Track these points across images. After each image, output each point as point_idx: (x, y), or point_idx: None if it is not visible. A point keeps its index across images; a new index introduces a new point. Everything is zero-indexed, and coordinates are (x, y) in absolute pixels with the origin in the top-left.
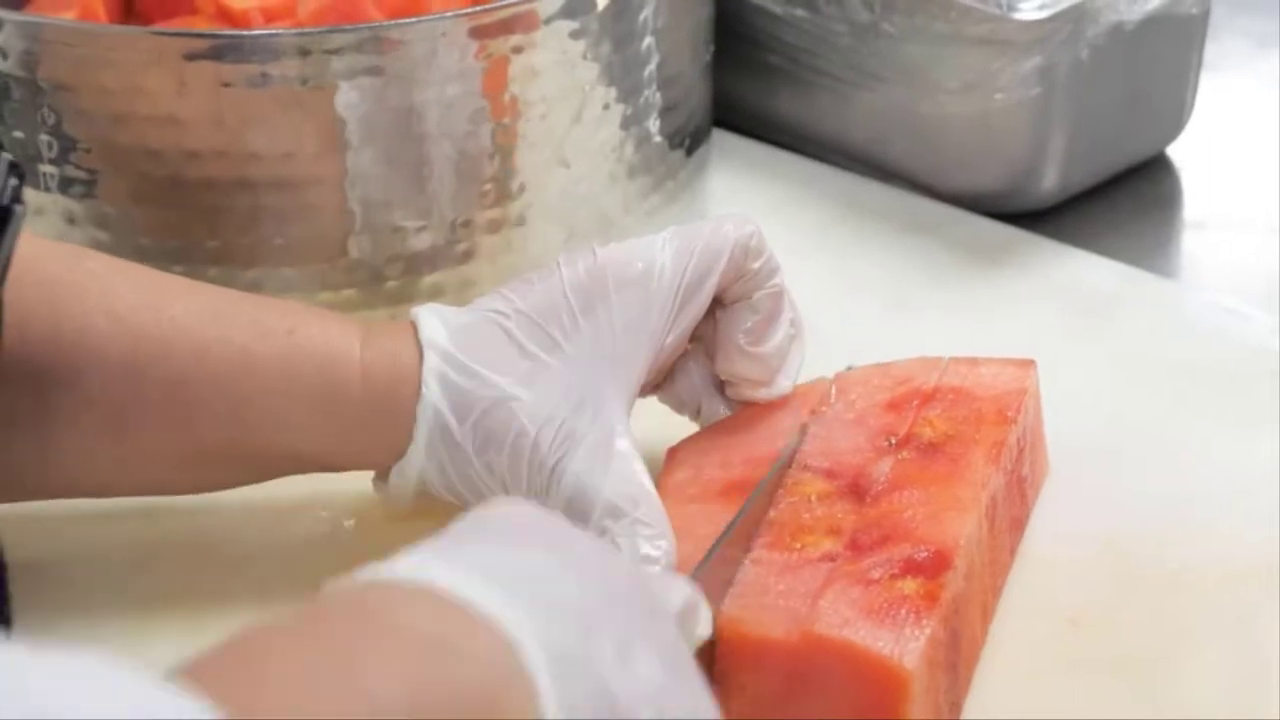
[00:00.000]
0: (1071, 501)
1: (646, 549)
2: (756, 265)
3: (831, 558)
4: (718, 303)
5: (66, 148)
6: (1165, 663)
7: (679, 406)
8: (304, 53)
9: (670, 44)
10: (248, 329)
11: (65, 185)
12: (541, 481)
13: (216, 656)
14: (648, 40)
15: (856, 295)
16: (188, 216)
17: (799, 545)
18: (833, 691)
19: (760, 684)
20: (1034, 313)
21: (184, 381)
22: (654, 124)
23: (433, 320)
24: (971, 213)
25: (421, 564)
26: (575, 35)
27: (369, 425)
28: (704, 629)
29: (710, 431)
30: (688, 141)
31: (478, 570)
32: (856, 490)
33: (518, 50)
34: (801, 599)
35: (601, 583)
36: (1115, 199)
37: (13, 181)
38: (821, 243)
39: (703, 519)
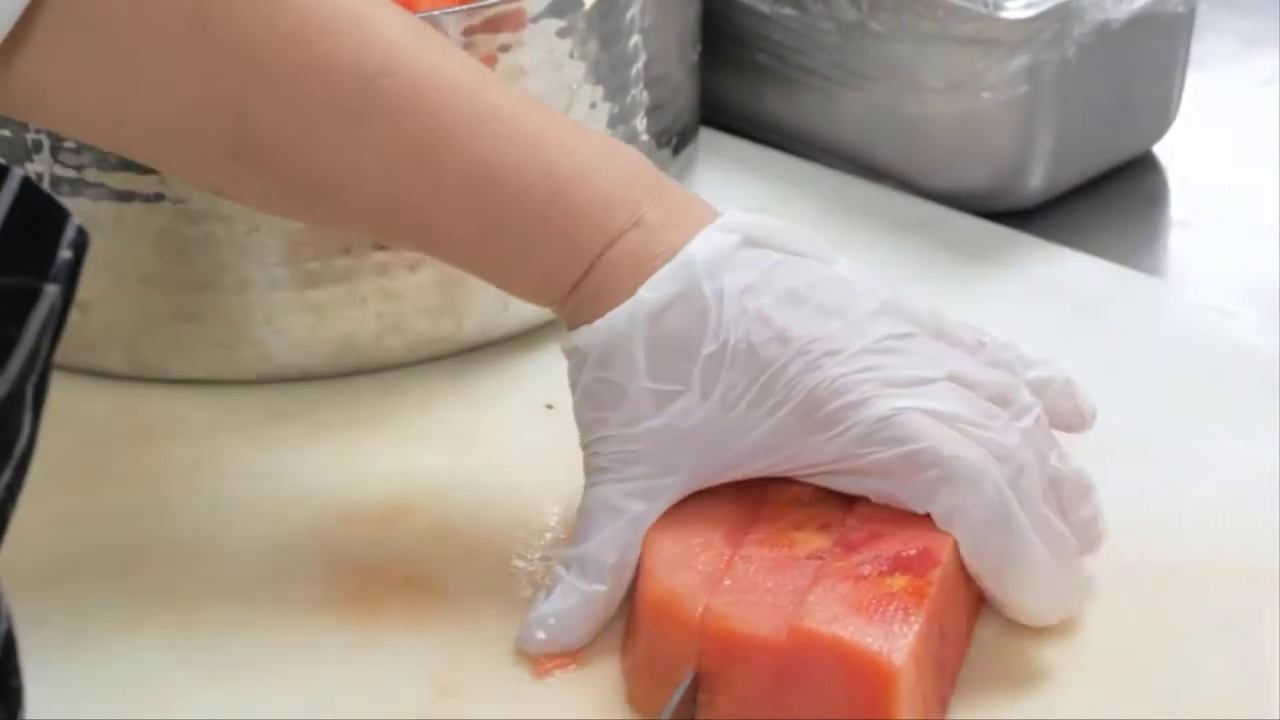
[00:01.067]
0: None
1: (572, 585)
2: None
3: (820, 555)
4: None
5: (55, 146)
6: (1154, 661)
7: None
8: None
9: (657, 43)
10: (513, 198)
11: (54, 184)
12: (586, 463)
13: None
14: (635, 39)
15: None
16: (178, 221)
17: (788, 542)
18: (821, 688)
19: (748, 681)
20: (1020, 311)
21: (441, 233)
22: (641, 123)
23: (675, 272)
24: (958, 211)
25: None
26: (562, 34)
27: (575, 297)
28: None
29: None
30: (675, 140)
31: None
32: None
33: (505, 49)
34: (790, 595)
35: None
36: (1102, 198)
37: (65, 255)
38: None
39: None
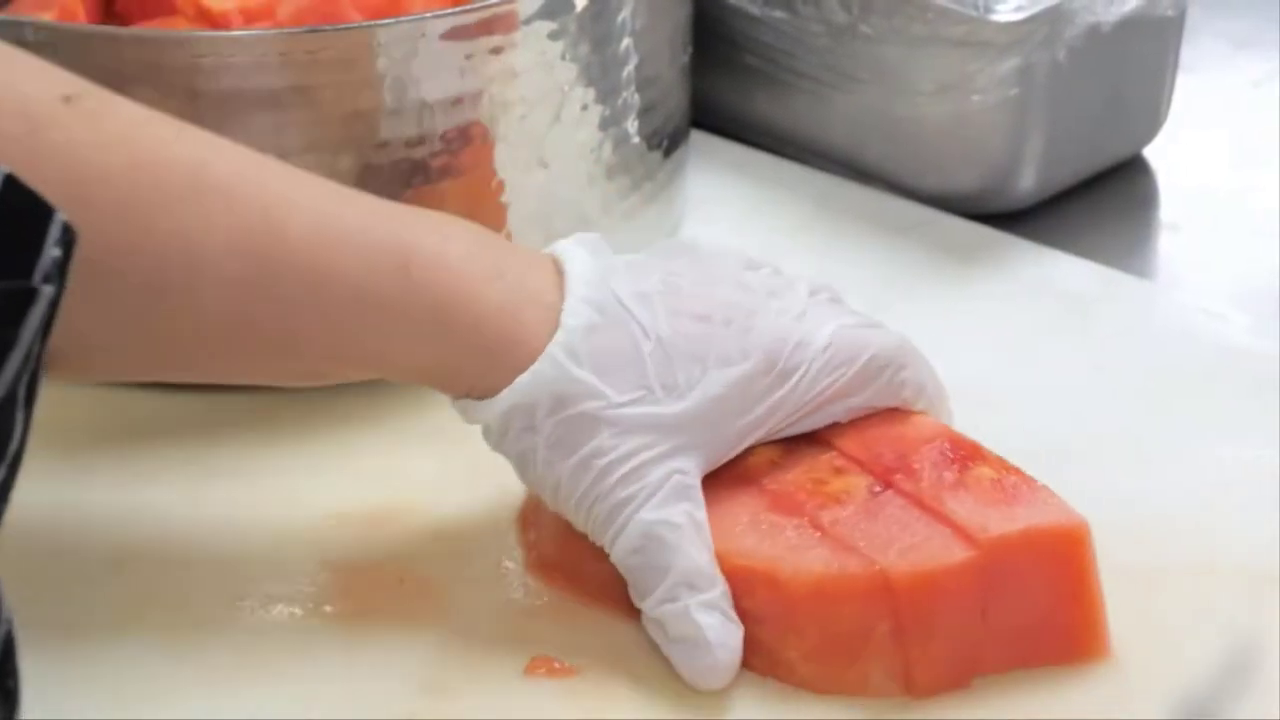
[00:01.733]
0: None
1: (710, 636)
2: (917, 406)
3: (875, 489)
4: None
5: None
6: (1148, 662)
7: None
8: (283, 54)
9: (649, 45)
10: (363, 262)
11: None
12: (599, 515)
13: None
14: (626, 41)
15: None
16: None
17: (836, 493)
18: (1024, 583)
19: (956, 613)
20: (1011, 313)
21: (294, 309)
22: (632, 125)
23: (580, 299)
24: (949, 214)
25: (569, 251)
26: (554, 36)
27: (469, 368)
28: None
29: None
30: (666, 143)
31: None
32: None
33: (496, 51)
34: (915, 526)
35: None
36: (1092, 200)
37: (55, 253)
38: (799, 243)
39: None
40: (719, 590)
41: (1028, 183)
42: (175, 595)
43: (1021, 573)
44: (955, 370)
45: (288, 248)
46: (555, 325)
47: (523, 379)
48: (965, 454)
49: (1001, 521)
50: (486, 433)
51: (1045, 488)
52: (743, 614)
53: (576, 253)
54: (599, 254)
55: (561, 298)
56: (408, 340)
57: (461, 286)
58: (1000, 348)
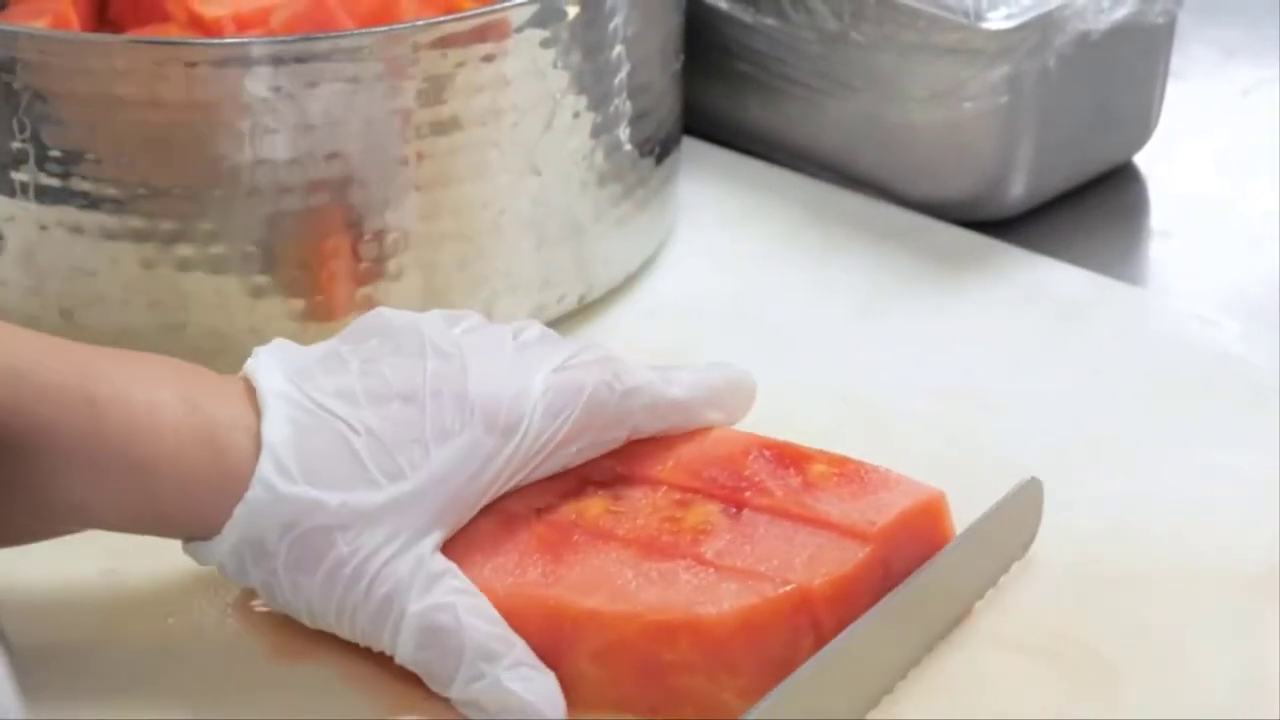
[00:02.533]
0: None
1: (530, 698)
2: (646, 428)
3: (731, 511)
4: None
5: (40, 156)
6: (1140, 668)
7: None
8: (276, 61)
9: (640, 52)
10: (48, 400)
11: (39, 193)
12: (363, 620)
13: None
14: (618, 49)
15: (825, 302)
16: (160, 224)
17: (692, 526)
18: (910, 551)
19: (865, 600)
20: (1002, 319)
21: None
22: (624, 132)
23: (278, 413)
24: (940, 220)
25: (258, 365)
26: (546, 44)
27: (177, 506)
28: None
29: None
30: (658, 149)
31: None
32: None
33: (488, 59)
34: (801, 535)
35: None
36: (1083, 207)
37: None
38: (791, 250)
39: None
40: (518, 647)
41: (1019, 189)
42: (165, 600)
43: (903, 554)
44: (946, 377)
45: None
46: (258, 448)
47: (239, 511)
48: (789, 455)
49: (877, 511)
50: (222, 570)
51: (880, 467)
52: (667, 667)
53: (265, 365)
54: (289, 360)
55: (258, 418)
56: (107, 486)
57: (151, 421)
58: (991, 354)
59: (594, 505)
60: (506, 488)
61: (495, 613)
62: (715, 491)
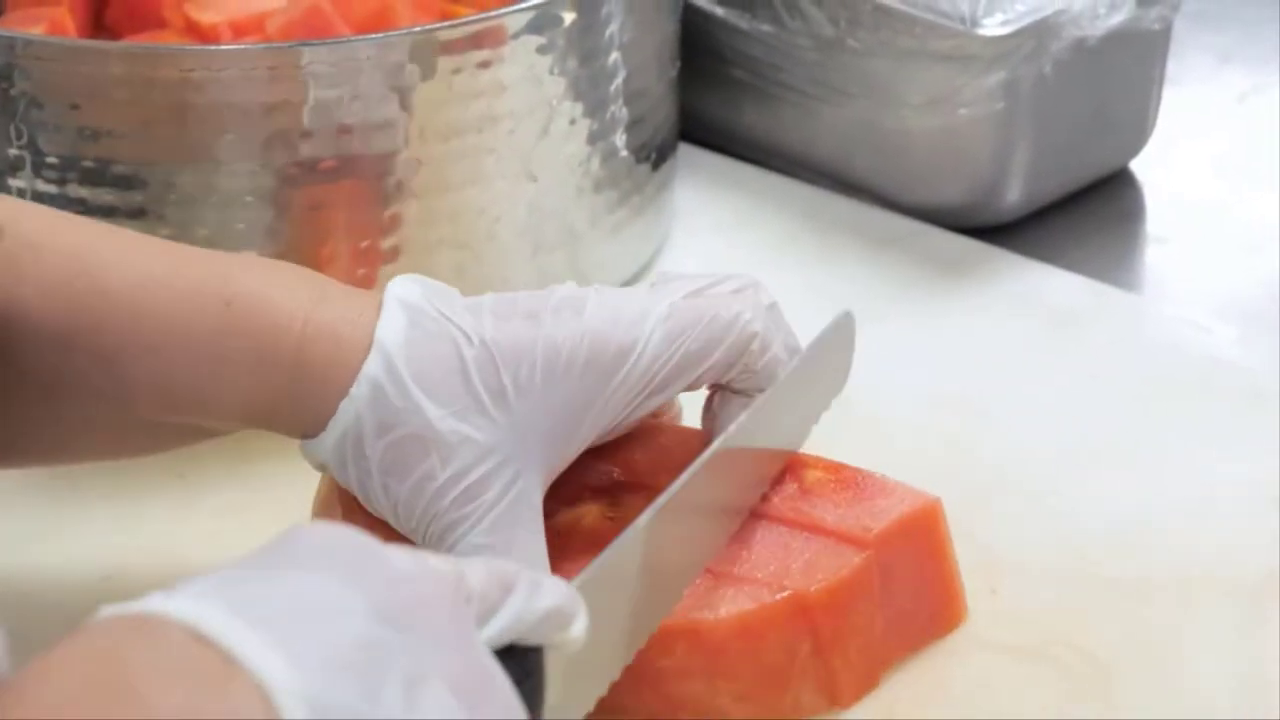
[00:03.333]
0: (1037, 512)
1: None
2: (758, 366)
3: None
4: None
5: (38, 162)
6: (1127, 666)
7: None
8: (272, 67)
9: (636, 59)
10: (184, 300)
11: (36, 199)
12: (434, 535)
13: None
14: (614, 55)
15: (821, 308)
16: (157, 229)
17: None
18: (909, 562)
19: (865, 609)
20: (998, 325)
21: (117, 355)
22: (620, 138)
23: (396, 313)
24: (935, 226)
25: (194, 605)
26: (542, 50)
27: (295, 400)
28: (577, 633)
29: None
30: (654, 155)
31: (254, 614)
32: None
33: (485, 65)
34: (800, 542)
35: (401, 611)
36: (1079, 213)
37: None
38: (786, 256)
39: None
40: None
41: (1014, 196)
42: None
43: (902, 561)
44: (942, 383)
45: (104, 294)
46: (371, 344)
47: (343, 406)
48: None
49: (875, 517)
50: (328, 469)
51: (877, 474)
52: (663, 673)
53: (405, 280)
54: (433, 284)
55: (378, 317)
56: (234, 377)
57: (282, 317)
58: (987, 360)
59: (591, 512)
60: (619, 417)
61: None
62: None
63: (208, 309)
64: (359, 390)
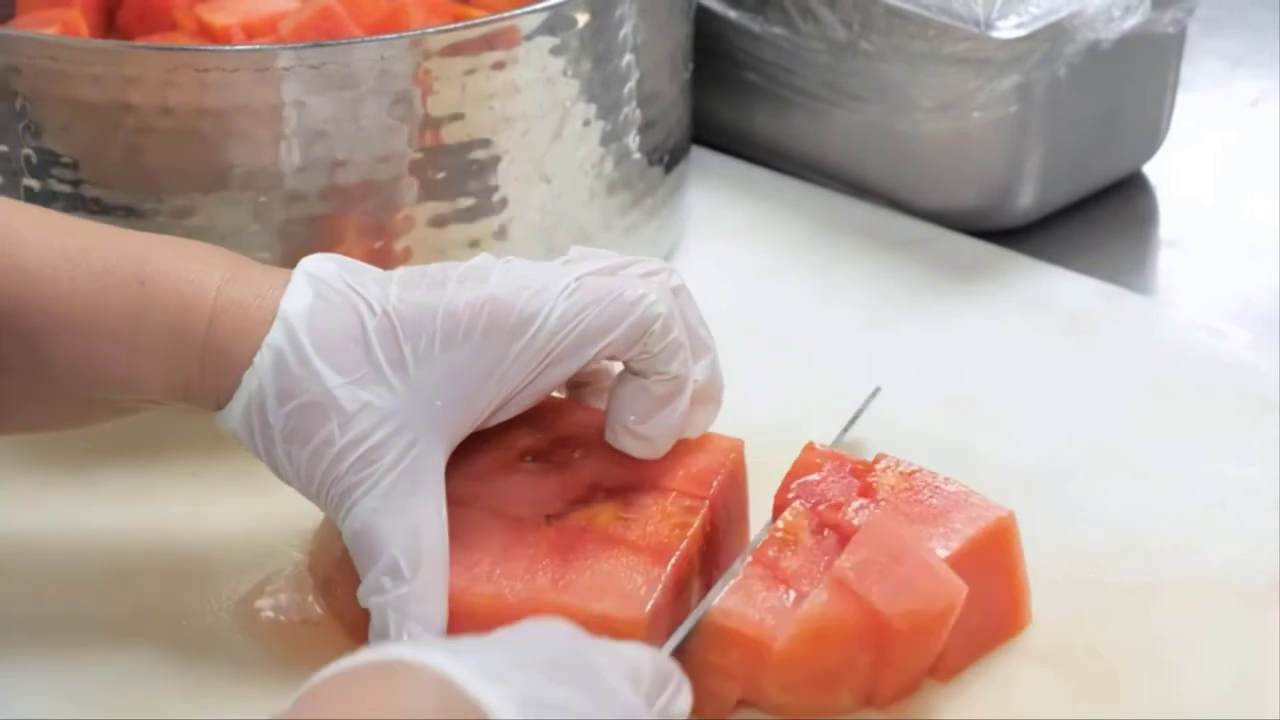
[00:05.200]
0: (1049, 514)
1: (411, 626)
2: (658, 348)
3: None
4: (627, 367)
5: (49, 162)
6: (1138, 670)
7: None
8: (286, 69)
9: (650, 61)
10: (100, 278)
11: (49, 199)
12: (333, 500)
13: None
14: (627, 57)
15: (833, 311)
16: (172, 231)
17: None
18: (975, 590)
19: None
20: (1010, 329)
21: (36, 333)
22: (633, 140)
23: (302, 286)
24: (948, 230)
25: (442, 654)
26: (556, 52)
27: (205, 373)
28: (683, 708)
29: None
30: (666, 158)
31: (493, 673)
32: None
33: (499, 66)
34: (890, 563)
35: (608, 705)
36: (1091, 217)
37: None
38: (799, 259)
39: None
40: (422, 581)
41: (1027, 199)
42: (177, 605)
43: (970, 578)
44: (954, 385)
45: (24, 272)
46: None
47: (247, 375)
48: (860, 470)
49: (946, 539)
50: (238, 439)
51: (952, 482)
52: (710, 668)
53: (321, 257)
54: (350, 261)
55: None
56: (150, 354)
57: (194, 293)
58: (999, 363)
59: (605, 512)
60: (517, 389)
61: (433, 542)
62: (810, 504)
63: (123, 287)
64: (261, 359)
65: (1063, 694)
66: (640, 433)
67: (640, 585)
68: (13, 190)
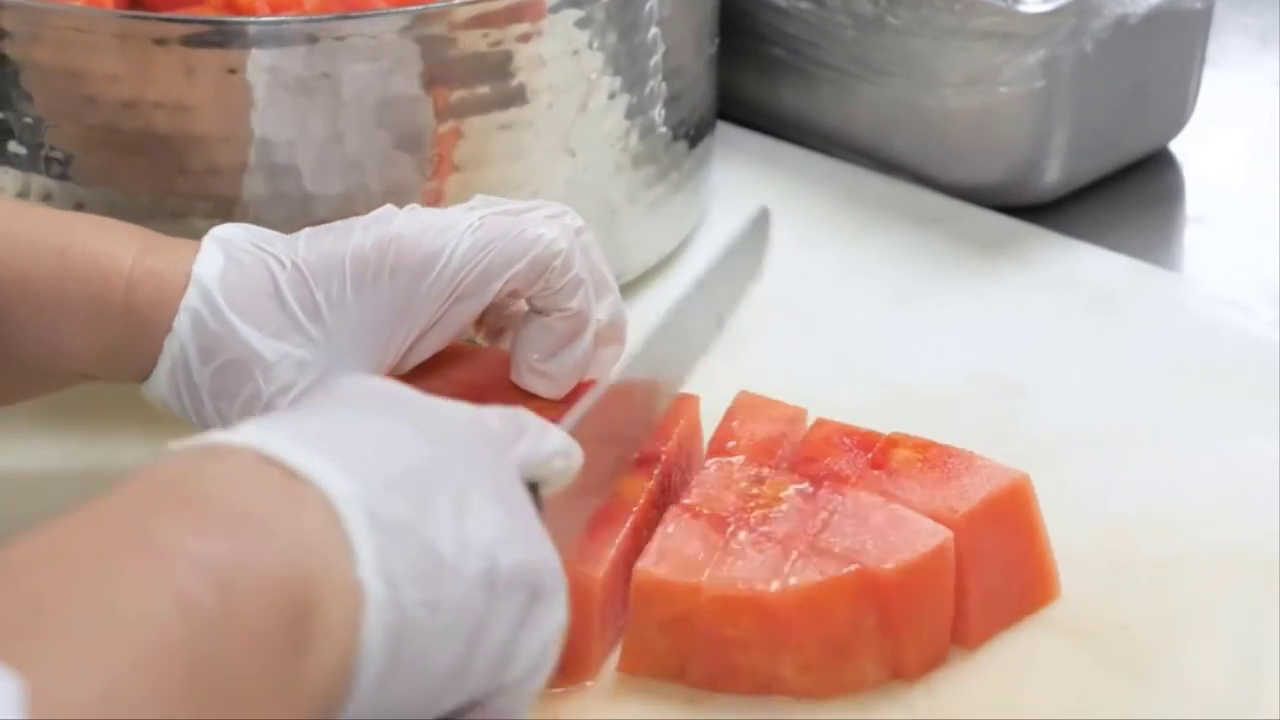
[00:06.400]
0: (1074, 490)
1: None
2: (559, 284)
3: (810, 497)
4: (530, 306)
5: (75, 133)
6: (1163, 645)
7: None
8: (312, 40)
9: (676, 35)
10: (21, 249)
11: (46, 165)
12: None
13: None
14: (653, 30)
15: (859, 287)
16: (196, 205)
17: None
18: (991, 555)
19: (931, 596)
20: (1036, 305)
21: None
22: (659, 114)
23: (213, 251)
24: (974, 205)
25: (258, 433)
26: (581, 24)
27: (128, 341)
28: (572, 471)
29: None
30: (692, 133)
31: (314, 439)
32: None
33: (524, 39)
34: (881, 518)
35: (441, 438)
36: (1118, 193)
37: None
38: (824, 235)
39: None
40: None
41: (1053, 175)
42: None
43: (989, 541)
44: (980, 361)
45: None
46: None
47: (168, 340)
48: (870, 440)
49: (960, 498)
50: (166, 407)
51: (967, 452)
52: (728, 642)
53: (226, 225)
54: (253, 228)
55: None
56: (71, 324)
57: (112, 263)
58: (1025, 339)
59: (634, 482)
60: (431, 321)
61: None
62: (792, 470)
63: (44, 257)
64: (180, 323)
65: (1089, 667)
66: (543, 370)
67: (698, 551)
68: (29, 160)
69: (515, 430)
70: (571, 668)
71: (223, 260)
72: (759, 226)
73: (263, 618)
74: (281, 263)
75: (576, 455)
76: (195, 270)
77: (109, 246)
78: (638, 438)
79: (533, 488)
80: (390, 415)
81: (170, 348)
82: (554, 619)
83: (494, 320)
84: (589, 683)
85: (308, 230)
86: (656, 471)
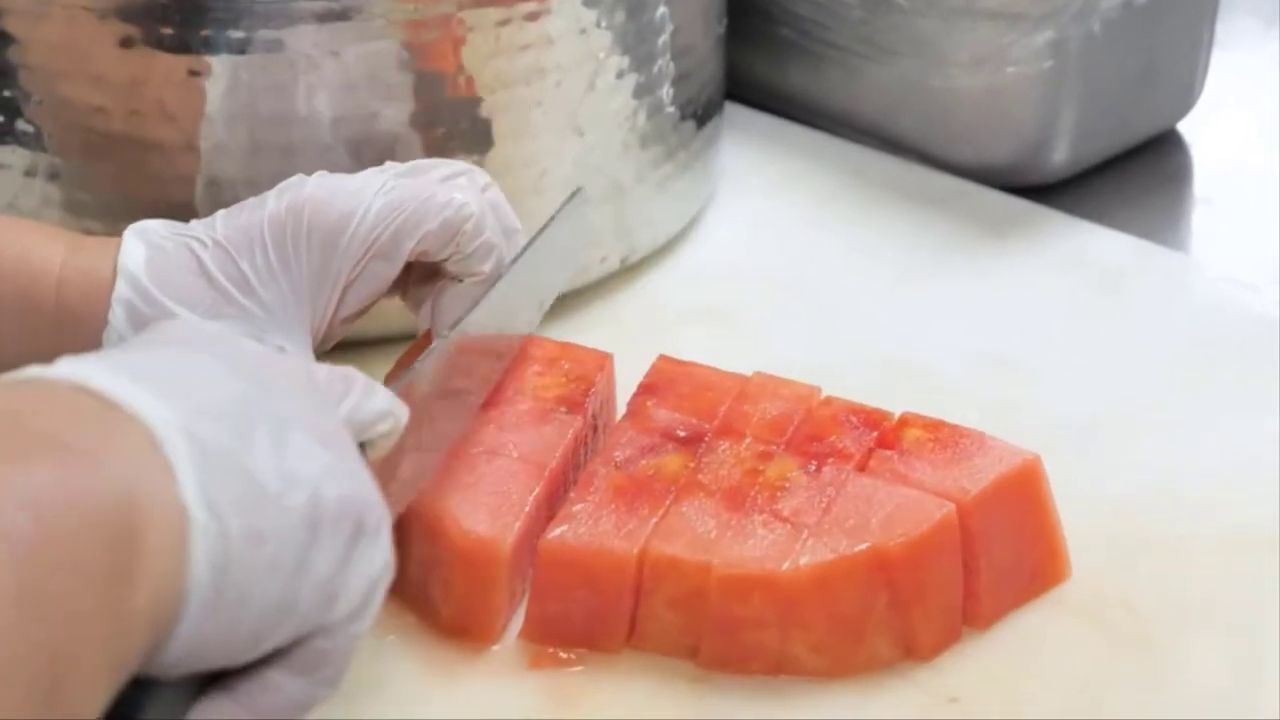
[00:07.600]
0: (1081, 470)
1: None
2: (470, 248)
3: (815, 474)
4: (446, 273)
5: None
6: (1172, 624)
7: None
8: (320, 19)
9: (683, 14)
10: None
11: (31, 140)
12: None
13: None
14: (661, 10)
15: (867, 267)
16: (208, 191)
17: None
18: (1001, 535)
19: (939, 573)
20: (1043, 285)
21: None
22: (666, 93)
23: (134, 243)
24: (982, 186)
25: (75, 366)
26: (589, 3)
27: (62, 341)
28: (397, 432)
29: None
30: (700, 112)
31: (132, 371)
32: None
33: (532, 17)
34: (885, 495)
35: (263, 377)
36: (1126, 174)
37: None
38: (832, 215)
39: None
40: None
41: (1061, 156)
42: None
43: (1000, 521)
44: (987, 341)
45: None
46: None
47: (106, 334)
48: (878, 418)
49: (972, 478)
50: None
51: (977, 432)
52: (739, 622)
53: (142, 221)
54: (168, 221)
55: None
56: (6, 323)
57: (41, 263)
58: (1032, 319)
59: (673, 461)
60: (350, 275)
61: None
62: (798, 448)
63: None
64: (115, 315)
65: (1097, 647)
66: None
67: (710, 529)
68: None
69: (343, 385)
70: (476, 630)
71: (145, 249)
72: (578, 207)
73: (87, 546)
74: (203, 242)
75: (403, 416)
76: (121, 262)
77: (37, 246)
78: (476, 393)
79: (361, 448)
80: (214, 354)
81: (109, 342)
82: (379, 558)
83: (417, 291)
84: (495, 647)
85: (222, 210)
86: (570, 434)
